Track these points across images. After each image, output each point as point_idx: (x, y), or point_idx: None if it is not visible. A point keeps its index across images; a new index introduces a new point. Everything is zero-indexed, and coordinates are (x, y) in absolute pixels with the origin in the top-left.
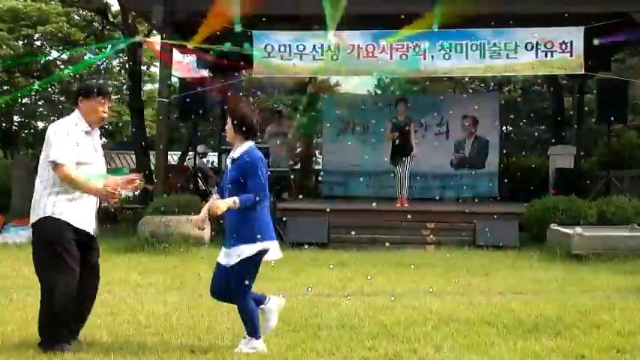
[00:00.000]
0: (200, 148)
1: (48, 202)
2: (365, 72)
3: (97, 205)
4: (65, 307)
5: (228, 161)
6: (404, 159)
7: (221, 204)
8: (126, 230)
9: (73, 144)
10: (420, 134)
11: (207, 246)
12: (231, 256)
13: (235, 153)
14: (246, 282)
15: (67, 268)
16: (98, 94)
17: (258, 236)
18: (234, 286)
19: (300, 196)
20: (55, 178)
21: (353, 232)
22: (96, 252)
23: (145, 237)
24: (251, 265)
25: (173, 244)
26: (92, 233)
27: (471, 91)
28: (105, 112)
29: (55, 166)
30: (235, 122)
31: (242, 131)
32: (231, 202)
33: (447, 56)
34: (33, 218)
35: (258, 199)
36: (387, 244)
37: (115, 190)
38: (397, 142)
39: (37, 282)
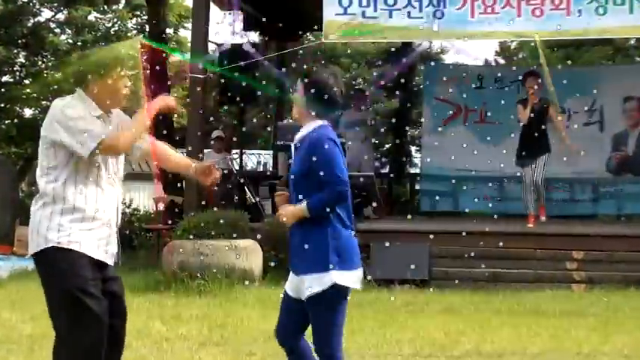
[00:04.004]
0: (215, 134)
1: (51, 224)
2: (481, 35)
3: (118, 223)
4: None
5: (293, 149)
6: (538, 159)
7: (289, 213)
8: (146, 261)
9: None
10: (564, 123)
11: (257, 283)
12: (300, 287)
13: (299, 135)
14: (330, 328)
15: (92, 319)
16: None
17: (332, 262)
18: (314, 331)
19: (390, 213)
20: (57, 191)
21: (465, 265)
22: (114, 281)
23: (173, 270)
24: (328, 304)
25: (211, 280)
26: (111, 263)
27: (638, 59)
28: (127, 87)
29: (96, 150)
30: (309, 90)
31: (316, 105)
32: (300, 210)
33: (600, 10)
34: (32, 247)
35: (335, 198)
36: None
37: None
38: (528, 129)
39: (21, 333)
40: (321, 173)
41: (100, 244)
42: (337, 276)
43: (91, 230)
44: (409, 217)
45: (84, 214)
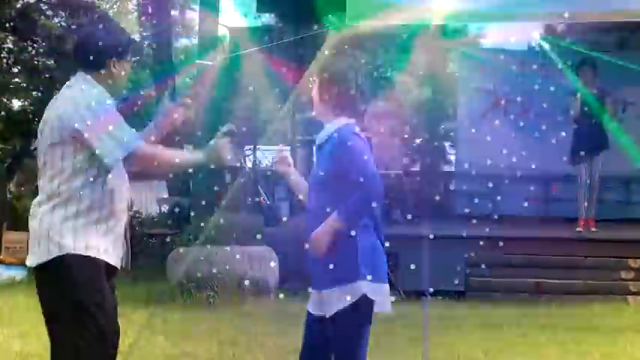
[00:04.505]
0: (226, 128)
1: (63, 228)
2: (525, 16)
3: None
4: None
5: (315, 149)
6: (595, 157)
7: (320, 236)
8: (149, 270)
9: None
10: (619, 117)
11: (273, 295)
12: (323, 303)
13: (322, 135)
14: (355, 349)
15: (101, 339)
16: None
17: (361, 273)
18: (338, 354)
19: (421, 217)
20: (73, 191)
21: (506, 274)
22: (113, 293)
23: (179, 280)
24: (354, 320)
25: (221, 291)
26: (118, 267)
27: None
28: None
29: (127, 157)
30: (323, 82)
31: (333, 99)
32: (332, 225)
33: None
34: (41, 254)
35: (371, 198)
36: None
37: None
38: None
39: (9, 350)
40: (350, 174)
41: (114, 246)
42: (367, 287)
43: (107, 233)
44: (444, 221)
45: (99, 215)
